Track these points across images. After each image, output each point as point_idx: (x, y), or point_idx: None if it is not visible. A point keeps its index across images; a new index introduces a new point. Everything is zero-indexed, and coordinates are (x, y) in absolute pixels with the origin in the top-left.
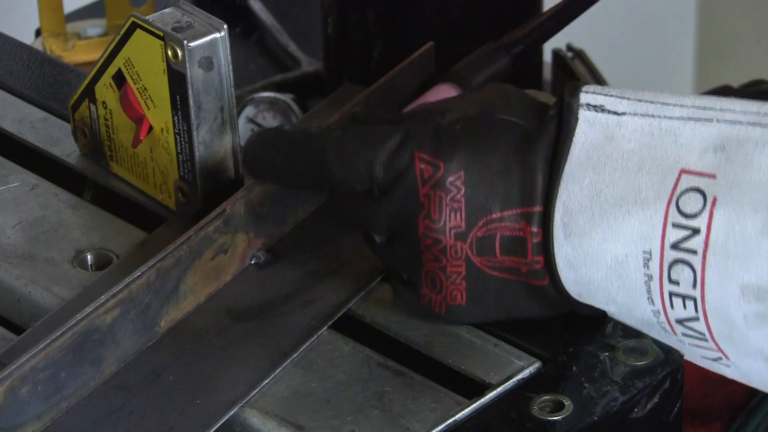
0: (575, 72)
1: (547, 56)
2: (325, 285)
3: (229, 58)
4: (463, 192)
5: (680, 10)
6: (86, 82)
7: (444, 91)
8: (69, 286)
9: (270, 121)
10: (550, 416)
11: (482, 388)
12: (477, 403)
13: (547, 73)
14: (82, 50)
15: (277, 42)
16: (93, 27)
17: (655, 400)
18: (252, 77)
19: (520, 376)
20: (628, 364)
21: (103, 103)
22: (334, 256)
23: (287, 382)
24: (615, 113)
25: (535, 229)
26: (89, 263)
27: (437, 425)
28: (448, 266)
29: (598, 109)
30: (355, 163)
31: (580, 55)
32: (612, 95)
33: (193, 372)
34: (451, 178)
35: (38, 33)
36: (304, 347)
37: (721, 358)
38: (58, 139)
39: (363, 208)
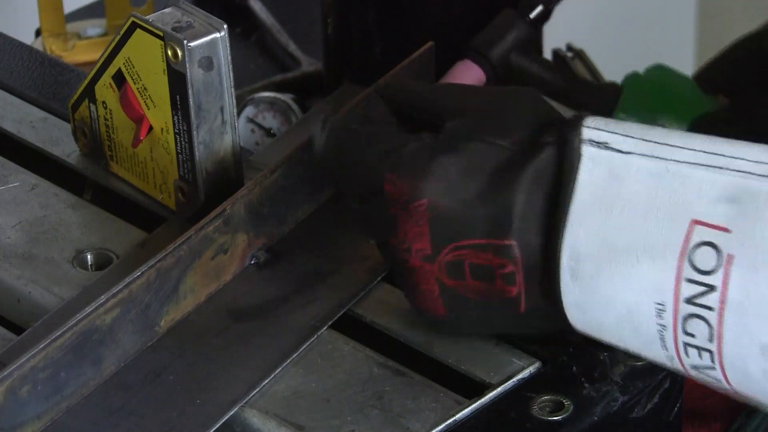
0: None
1: (547, 56)
2: (325, 285)
3: (229, 58)
4: (426, 218)
5: (680, 10)
6: (86, 82)
7: (464, 70)
8: (69, 286)
9: (270, 121)
10: (550, 416)
11: (482, 388)
12: (477, 403)
13: None
14: (82, 50)
15: (277, 42)
16: (93, 27)
17: (655, 400)
18: (252, 77)
19: (520, 376)
20: (628, 364)
21: (103, 103)
22: (334, 256)
23: (287, 382)
24: (620, 152)
25: (502, 261)
26: (89, 263)
27: (437, 425)
28: (421, 284)
29: (602, 146)
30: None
31: (580, 55)
32: (617, 132)
33: (193, 372)
34: (413, 204)
35: (38, 33)
36: (304, 347)
37: (733, 391)
38: (58, 139)
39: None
